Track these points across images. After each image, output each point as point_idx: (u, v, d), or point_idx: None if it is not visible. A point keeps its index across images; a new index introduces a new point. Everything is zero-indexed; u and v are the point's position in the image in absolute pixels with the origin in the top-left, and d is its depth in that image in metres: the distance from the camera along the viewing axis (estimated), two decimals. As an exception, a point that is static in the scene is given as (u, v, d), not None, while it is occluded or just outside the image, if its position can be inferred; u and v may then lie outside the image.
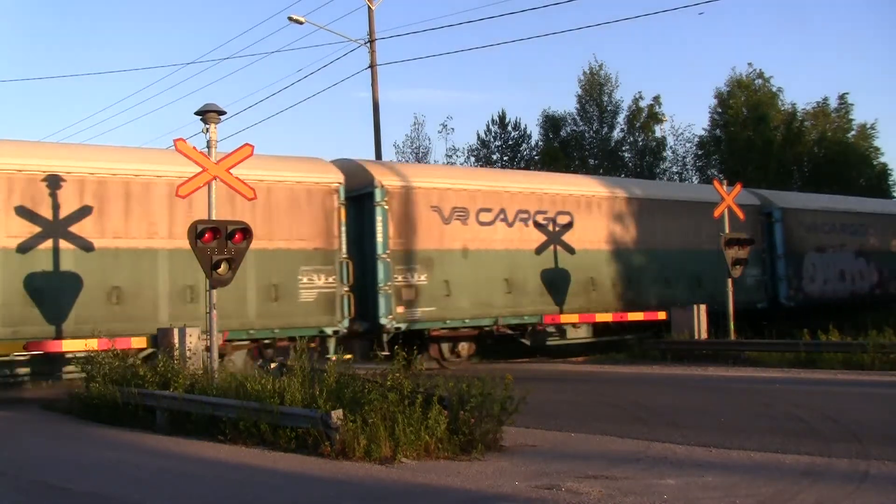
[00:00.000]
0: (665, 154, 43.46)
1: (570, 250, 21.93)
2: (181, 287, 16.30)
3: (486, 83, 72.49)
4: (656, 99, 42.41)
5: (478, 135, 44.54)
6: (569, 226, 22.04)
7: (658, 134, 42.98)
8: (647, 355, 21.56)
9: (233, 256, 13.29)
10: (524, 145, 44.21)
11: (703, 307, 22.05)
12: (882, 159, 43.24)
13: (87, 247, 15.64)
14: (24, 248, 15.08)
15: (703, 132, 43.08)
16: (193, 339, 14.23)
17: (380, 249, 18.69)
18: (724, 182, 23.10)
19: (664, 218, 24.12)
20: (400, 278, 18.91)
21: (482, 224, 20.41)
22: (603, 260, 22.68)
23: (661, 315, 22.87)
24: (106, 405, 12.77)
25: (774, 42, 67.50)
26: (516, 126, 44.16)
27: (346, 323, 18.01)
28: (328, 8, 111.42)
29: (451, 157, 43.67)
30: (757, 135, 39.46)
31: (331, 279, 17.87)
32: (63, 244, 15.40)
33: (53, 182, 15.41)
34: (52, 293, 15.27)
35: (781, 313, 25.64)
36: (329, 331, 17.93)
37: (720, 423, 11.56)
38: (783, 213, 26.70)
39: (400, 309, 18.89)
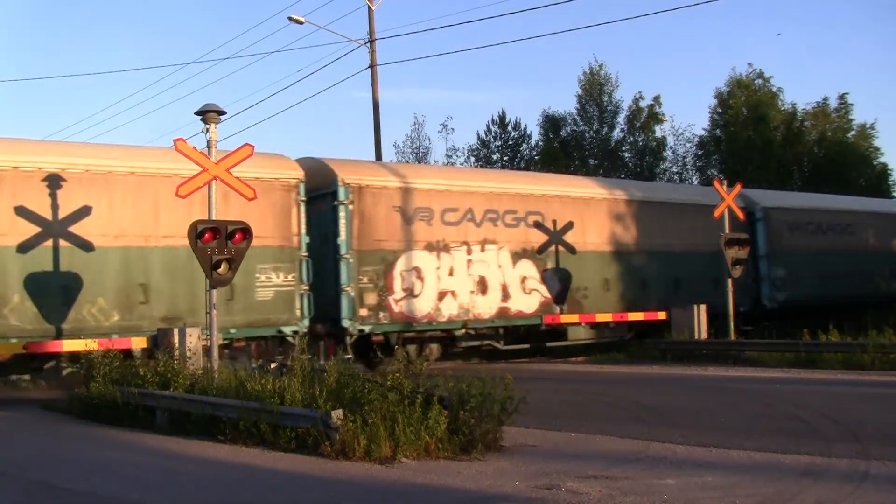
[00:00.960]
0: (665, 154, 43.47)
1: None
2: None
3: (486, 83, 72.61)
4: (656, 99, 42.40)
5: (478, 135, 44.59)
6: None
7: (658, 134, 42.97)
8: (647, 355, 21.55)
9: (233, 256, 13.30)
10: (524, 145, 44.21)
11: (703, 307, 21.97)
12: (882, 159, 43.21)
13: None
14: None
15: (703, 132, 43.06)
16: (193, 339, 14.23)
17: None
18: (724, 182, 23.00)
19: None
20: None
21: None
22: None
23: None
24: (106, 405, 12.78)
25: (774, 42, 67.52)
26: (516, 126, 44.15)
27: None
28: (328, 8, 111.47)
29: (451, 157, 43.77)
30: (757, 135, 39.42)
31: None
32: None
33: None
34: None
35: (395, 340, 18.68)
36: None
37: (720, 423, 11.57)
38: (355, 194, 18.32)
39: None
